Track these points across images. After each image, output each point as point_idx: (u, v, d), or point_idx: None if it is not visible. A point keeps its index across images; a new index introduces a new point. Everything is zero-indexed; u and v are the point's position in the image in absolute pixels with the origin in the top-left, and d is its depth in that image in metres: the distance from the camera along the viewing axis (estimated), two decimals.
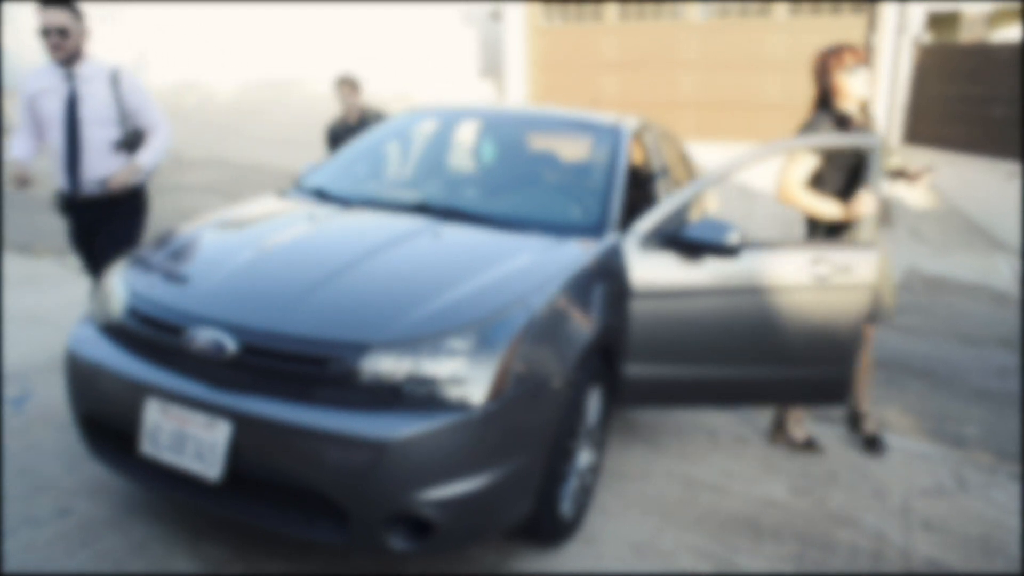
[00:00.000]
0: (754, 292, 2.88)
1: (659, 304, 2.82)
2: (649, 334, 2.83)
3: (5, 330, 4.11)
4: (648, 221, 2.86)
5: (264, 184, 8.64)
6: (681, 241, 2.78)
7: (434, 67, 15.55)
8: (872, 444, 3.40)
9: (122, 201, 3.57)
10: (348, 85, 5.77)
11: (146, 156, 3.51)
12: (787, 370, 3.01)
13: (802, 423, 3.42)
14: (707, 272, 2.84)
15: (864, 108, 3.24)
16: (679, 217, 2.87)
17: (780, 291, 2.89)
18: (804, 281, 2.89)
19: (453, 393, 2.05)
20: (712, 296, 2.86)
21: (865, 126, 3.20)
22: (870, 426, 3.47)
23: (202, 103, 15.75)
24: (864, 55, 3.14)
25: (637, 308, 2.79)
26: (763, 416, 3.72)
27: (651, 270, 2.80)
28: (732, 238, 2.71)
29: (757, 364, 2.98)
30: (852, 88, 3.12)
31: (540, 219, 2.97)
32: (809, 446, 3.39)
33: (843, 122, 3.16)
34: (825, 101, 3.21)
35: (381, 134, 3.86)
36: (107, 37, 16.99)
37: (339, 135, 5.83)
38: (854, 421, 3.54)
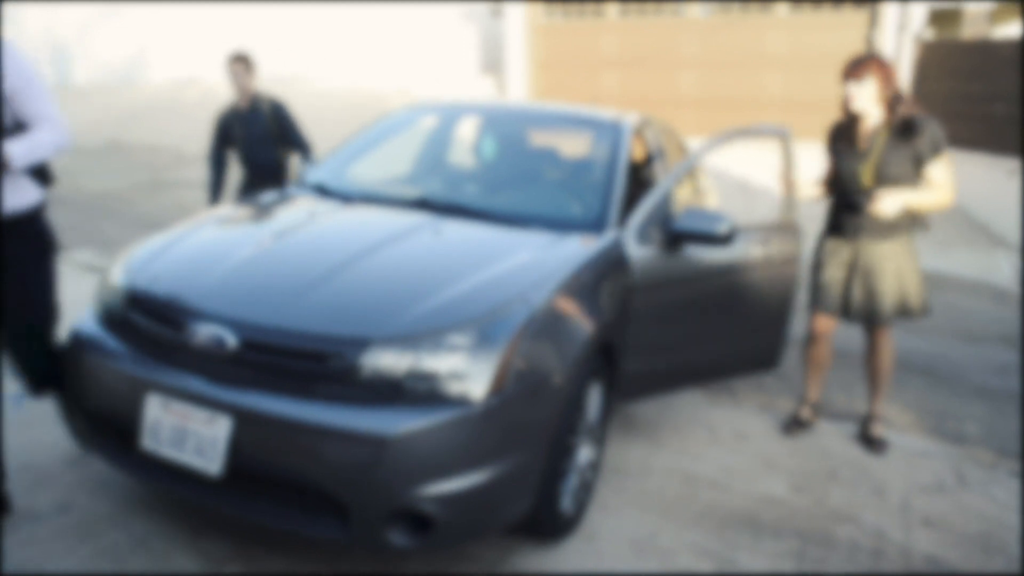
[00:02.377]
0: (730, 273, 3.22)
1: (654, 295, 2.92)
2: (646, 326, 2.92)
3: None
4: (638, 216, 2.94)
5: None
6: (675, 233, 2.90)
7: (435, 64, 15.54)
8: (873, 444, 3.40)
9: (8, 231, 2.44)
10: (241, 63, 4.84)
11: (19, 147, 2.36)
12: (745, 342, 3.42)
13: (812, 404, 3.59)
14: (693, 260, 3.07)
15: (893, 118, 3.12)
16: (663, 209, 3.02)
17: (746, 270, 3.27)
18: (759, 259, 3.28)
19: (454, 389, 2.05)
20: (698, 282, 3.14)
21: (868, 144, 3.14)
22: (878, 429, 3.47)
23: (202, 98, 15.74)
24: (867, 69, 3.08)
25: (636, 302, 2.82)
26: (763, 414, 3.73)
27: (647, 263, 2.89)
28: (723, 227, 2.83)
29: (726, 340, 3.35)
30: (846, 99, 3.16)
31: (541, 215, 2.96)
32: (792, 423, 3.53)
33: (841, 130, 3.27)
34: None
35: (381, 130, 3.86)
36: (108, 34, 16.98)
37: (229, 124, 4.94)
38: (865, 421, 3.53)
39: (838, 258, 3.30)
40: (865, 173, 3.14)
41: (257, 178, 5.01)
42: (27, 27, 16.96)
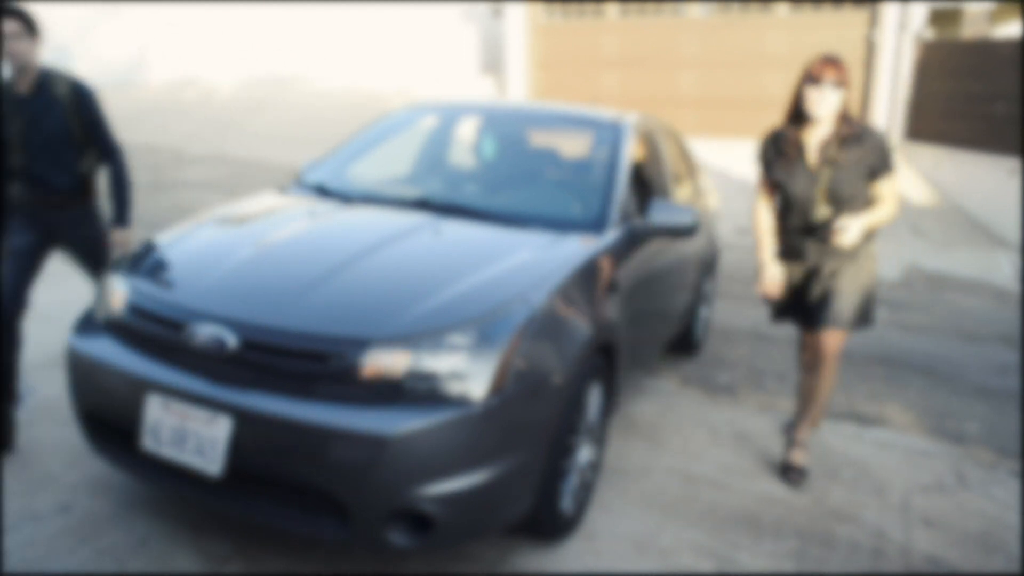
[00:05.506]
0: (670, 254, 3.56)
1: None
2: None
3: None
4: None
5: (265, 180, 8.63)
6: (651, 228, 3.03)
7: (435, 64, 15.54)
8: (791, 473, 3.08)
9: None
10: (16, 20, 2.96)
11: None
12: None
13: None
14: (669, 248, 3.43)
15: (843, 132, 2.86)
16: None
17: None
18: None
19: (454, 388, 2.05)
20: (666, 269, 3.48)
21: (819, 159, 2.88)
22: (800, 457, 3.12)
23: (202, 99, 15.75)
24: (846, 74, 2.79)
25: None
26: (763, 414, 3.73)
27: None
28: (687, 218, 2.99)
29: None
30: (809, 101, 2.83)
31: (541, 215, 2.97)
32: (793, 427, 3.22)
33: (780, 141, 2.98)
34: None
35: (381, 130, 3.86)
36: (108, 34, 16.98)
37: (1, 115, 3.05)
38: (788, 447, 3.20)
39: (803, 276, 3.04)
40: (819, 193, 2.88)
41: (44, 201, 3.14)
42: None
